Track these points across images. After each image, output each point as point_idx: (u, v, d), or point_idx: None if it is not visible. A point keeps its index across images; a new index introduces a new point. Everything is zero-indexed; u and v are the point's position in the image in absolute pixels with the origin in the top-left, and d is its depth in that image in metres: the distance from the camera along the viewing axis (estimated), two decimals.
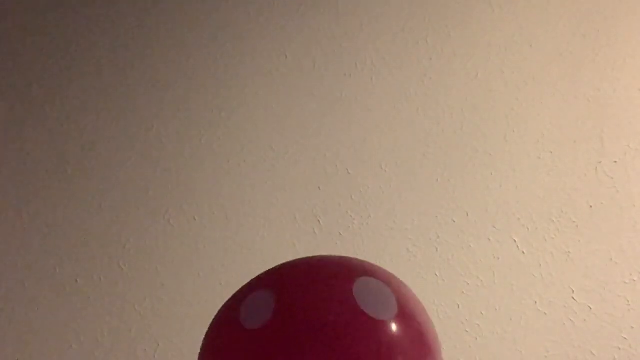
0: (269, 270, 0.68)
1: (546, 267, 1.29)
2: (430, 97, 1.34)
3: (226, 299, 0.66)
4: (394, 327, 0.58)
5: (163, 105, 1.34)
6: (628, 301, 1.28)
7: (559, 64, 1.34)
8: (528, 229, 1.29)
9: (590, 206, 1.30)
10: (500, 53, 1.35)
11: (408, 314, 0.60)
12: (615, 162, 1.30)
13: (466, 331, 1.27)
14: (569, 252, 1.29)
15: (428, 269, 1.28)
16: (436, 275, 1.28)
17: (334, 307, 0.57)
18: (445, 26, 1.36)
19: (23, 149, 1.32)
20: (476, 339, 1.27)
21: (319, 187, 1.31)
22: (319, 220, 1.30)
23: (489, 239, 1.29)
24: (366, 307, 0.57)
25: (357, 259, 0.69)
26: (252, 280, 0.68)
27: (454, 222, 1.29)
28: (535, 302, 1.28)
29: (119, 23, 1.37)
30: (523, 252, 1.29)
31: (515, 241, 1.29)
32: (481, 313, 1.28)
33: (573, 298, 1.28)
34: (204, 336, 0.65)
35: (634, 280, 1.28)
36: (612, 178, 1.30)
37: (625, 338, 1.27)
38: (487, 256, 1.28)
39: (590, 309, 1.28)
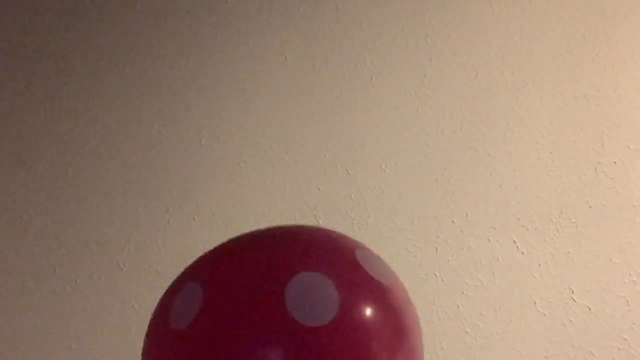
0: (203, 258, 0.64)
1: (546, 267, 1.29)
2: (430, 97, 1.34)
3: None
4: (326, 333, 0.52)
5: (163, 105, 1.34)
6: (628, 301, 1.28)
7: (559, 64, 1.34)
8: (528, 229, 1.29)
9: (590, 206, 1.30)
10: (500, 53, 1.35)
11: (350, 316, 0.54)
12: (615, 162, 1.30)
13: (466, 331, 1.27)
14: (569, 252, 1.29)
15: (428, 269, 1.28)
16: (436, 275, 1.28)
17: (262, 312, 0.53)
18: (445, 26, 1.36)
19: (23, 149, 1.32)
20: (476, 339, 1.27)
21: (319, 187, 1.31)
22: (318, 220, 1.30)
23: (489, 239, 1.29)
24: (296, 312, 0.52)
25: (303, 238, 0.62)
26: (186, 269, 0.64)
27: (454, 222, 1.29)
28: (535, 303, 1.28)
29: (118, 23, 1.37)
30: (523, 253, 1.29)
31: (515, 241, 1.29)
32: (481, 313, 1.28)
33: (573, 298, 1.28)
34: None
35: (634, 281, 1.28)
36: (611, 178, 1.30)
37: (625, 338, 1.27)
38: (486, 256, 1.29)
39: (590, 309, 1.28)
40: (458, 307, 1.27)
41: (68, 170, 1.31)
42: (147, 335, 0.62)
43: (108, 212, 1.30)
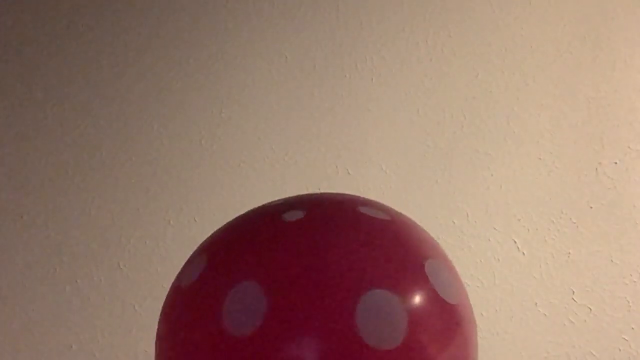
0: (254, 250, 0.57)
1: (546, 268, 1.28)
2: (430, 97, 1.34)
3: None
4: (395, 358, 0.49)
5: (163, 105, 1.34)
6: (628, 302, 1.28)
7: (559, 64, 1.34)
8: (528, 229, 1.29)
9: (591, 207, 1.30)
10: (500, 53, 1.35)
11: (417, 341, 0.51)
12: (616, 163, 1.30)
13: None
14: (569, 252, 1.29)
15: None
16: None
17: (330, 331, 0.49)
18: (445, 27, 1.36)
19: (23, 149, 1.32)
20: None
21: (319, 188, 1.31)
22: None
23: (489, 240, 1.29)
24: (366, 334, 0.48)
25: (377, 244, 0.57)
26: (232, 263, 0.57)
27: (454, 223, 1.29)
28: (536, 303, 1.28)
29: (119, 23, 1.37)
30: (523, 253, 1.29)
31: (515, 242, 1.29)
32: (481, 314, 1.28)
33: (573, 299, 1.28)
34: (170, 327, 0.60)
35: (634, 281, 1.28)
36: (612, 179, 1.30)
37: (625, 339, 1.27)
38: (487, 257, 1.28)
39: (591, 309, 1.27)
40: None
41: (68, 170, 1.31)
42: (193, 341, 0.55)
43: (108, 212, 1.30)
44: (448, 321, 0.54)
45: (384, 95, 1.34)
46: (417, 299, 0.52)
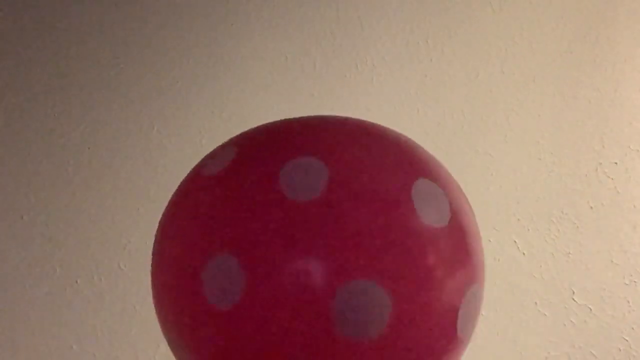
0: (310, 129, 0.63)
1: (546, 268, 1.28)
2: (430, 97, 1.34)
3: None
4: (444, 234, 0.55)
5: (163, 105, 1.34)
6: (628, 302, 1.28)
7: (560, 64, 1.34)
8: (528, 229, 1.29)
9: (591, 207, 1.30)
10: (500, 53, 1.35)
11: (459, 220, 0.57)
12: (616, 163, 1.30)
13: None
14: (570, 253, 1.29)
15: None
16: None
17: (390, 208, 0.53)
18: (445, 27, 1.36)
19: (23, 149, 1.32)
20: (476, 340, 1.27)
21: None
22: None
23: (490, 240, 1.29)
24: (421, 213, 0.53)
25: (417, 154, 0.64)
26: (285, 142, 0.60)
27: None
28: (536, 303, 1.28)
29: (119, 23, 1.36)
30: (523, 253, 1.29)
31: (515, 242, 1.29)
32: (481, 314, 1.28)
33: (573, 299, 1.28)
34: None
35: (635, 281, 1.28)
36: (612, 179, 1.30)
37: (625, 339, 1.27)
38: (487, 257, 1.28)
39: (591, 309, 1.27)
40: None
41: (68, 170, 1.31)
42: (254, 210, 0.54)
43: (108, 212, 1.30)
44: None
45: (384, 95, 1.34)
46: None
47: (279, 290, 0.50)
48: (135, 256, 1.28)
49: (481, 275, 0.59)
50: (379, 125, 0.67)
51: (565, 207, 1.30)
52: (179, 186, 0.64)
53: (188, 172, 0.69)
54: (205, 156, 0.66)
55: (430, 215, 0.54)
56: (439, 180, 0.59)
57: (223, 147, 0.65)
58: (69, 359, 1.26)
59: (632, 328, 1.27)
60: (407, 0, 1.37)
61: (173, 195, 0.65)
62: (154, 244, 0.63)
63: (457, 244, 0.56)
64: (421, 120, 1.33)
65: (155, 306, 0.60)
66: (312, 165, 0.54)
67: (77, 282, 1.28)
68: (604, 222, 1.29)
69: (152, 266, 0.61)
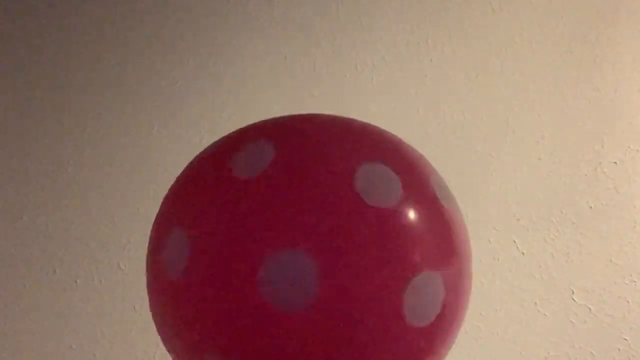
0: (266, 121, 0.66)
1: (546, 268, 1.28)
2: (430, 97, 1.34)
3: None
4: (391, 215, 0.55)
5: (163, 105, 1.34)
6: (628, 302, 1.28)
7: (560, 64, 1.34)
8: (528, 229, 1.29)
9: (591, 207, 1.30)
10: (500, 53, 1.35)
11: (410, 204, 0.57)
12: (616, 162, 1.30)
13: (466, 332, 1.27)
14: (569, 253, 1.29)
15: None
16: None
17: (332, 185, 0.55)
18: (445, 27, 1.36)
19: (23, 149, 1.32)
20: (476, 340, 1.27)
21: None
22: None
23: (489, 240, 1.29)
24: (365, 195, 0.54)
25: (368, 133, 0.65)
26: (245, 129, 0.65)
27: None
28: (536, 303, 1.28)
29: (119, 23, 1.36)
30: (523, 253, 1.29)
31: (515, 242, 1.29)
32: (481, 314, 1.28)
33: (573, 299, 1.28)
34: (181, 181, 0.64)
35: (634, 281, 1.28)
36: (612, 179, 1.30)
37: (625, 339, 1.27)
38: (487, 257, 1.28)
39: (590, 309, 1.28)
40: None
41: (68, 170, 1.31)
42: (202, 186, 0.62)
43: (108, 212, 1.30)
44: (435, 212, 0.61)
45: (384, 95, 1.34)
46: (414, 181, 0.60)
47: (216, 260, 0.54)
48: (135, 256, 1.28)
49: (439, 262, 0.58)
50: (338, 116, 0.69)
51: (565, 207, 1.30)
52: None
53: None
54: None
55: (374, 196, 0.54)
56: (393, 164, 0.58)
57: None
58: (69, 359, 1.26)
59: (632, 328, 1.27)
60: (407, 0, 1.36)
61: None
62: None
63: (405, 227, 0.55)
64: (421, 120, 1.33)
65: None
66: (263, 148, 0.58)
67: (77, 282, 1.28)
68: (604, 222, 1.29)
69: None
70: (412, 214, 0.56)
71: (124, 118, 1.33)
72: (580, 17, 1.34)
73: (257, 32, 1.36)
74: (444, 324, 0.58)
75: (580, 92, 1.33)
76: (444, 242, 0.60)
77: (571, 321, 1.27)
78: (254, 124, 0.67)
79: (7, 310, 1.27)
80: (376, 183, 0.56)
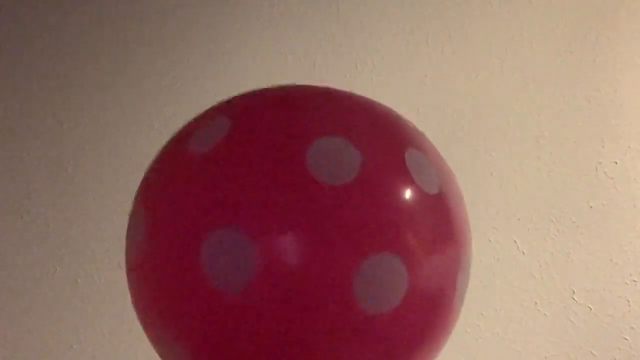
0: (228, 101, 0.65)
1: (546, 267, 1.28)
2: (430, 97, 1.34)
3: None
4: (345, 193, 0.51)
5: (163, 105, 1.34)
6: (628, 302, 1.28)
7: (560, 64, 1.34)
8: (528, 229, 1.29)
9: (591, 206, 1.30)
10: (500, 53, 1.35)
11: (369, 178, 0.53)
12: (616, 162, 1.30)
13: (466, 332, 1.27)
14: (569, 252, 1.29)
15: None
16: None
17: (284, 162, 0.52)
18: (445, 26, 1.36)
19: (23, 149, 1.32)
20: (476, 339, 1.27)
21: None
22: None
23: (489, 240, 1.29)
24: (316, 171, 0.51)
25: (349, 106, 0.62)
26: (210, 108, 0.65)
27: None
28: (536, 303, 1.28)
29: (119, 23, 1.36)
30: (523, 253, 1.29)
31: (515, 242, 1.29)
32: (481, 314, 1.28)
33: (573, 298, 1.28)
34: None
35: (634, 281, 1.28)
36: (612, 178, 1.30)
37: (625, 339, 1.27)
38: (487, 257, 1.28)
39: (591, 309, 1.28)
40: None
41: (68, 169, 1.31)
42: (159, 161, 0.63)
43: (108, 212, 1.30)
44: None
45: (384, 96, 1.34)
46: (376, 149, 0.56)
47: (161, 240, 0.54)
48: None
49: (396, 243, 0.53)
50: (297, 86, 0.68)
51: (565, 207, 1.30)
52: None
53: None
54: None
55: (324, 173, 0.51)
56: (355, 138, 0.55)
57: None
58: (69, 359, 1.26)
59: (632, 328, 1.27)
60: (407, 0, 1.37)
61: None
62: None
63: (359, 206, 0.51)
64: (421, 120, 1.33)
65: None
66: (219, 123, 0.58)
67: (77, 282, 1.28)
68: (604, 221, 1.29)
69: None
70: (369, 193, 0.52)
71: (124, 118, 1.33)
72: (580, 17, 1.35)
73: (257, 32, 1.36)
74: (407, 313, 0.53)
75: (580, 92, 1.33)
76: (410, 223, 0.54)
77: (571, 321, 1.27)
78: (221, 102, 0.67)
79: (8, 310, 1.27)
80: (331, 159, 0.52)
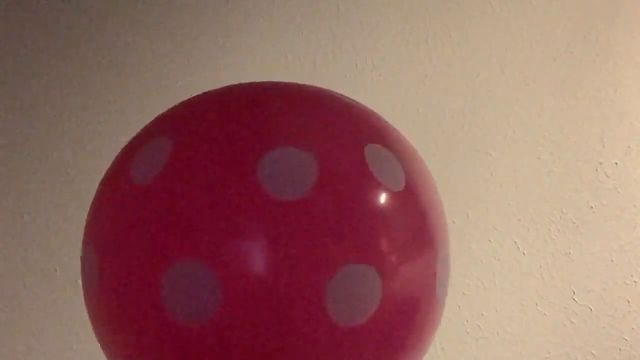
0: (172, 112, 0.60)
1: (547, 268, 1.28)
2: (430, 97, 1.34)
3: None
4: (302, 207, 0.49)
5: (164, 105, 1.34)
6: (629, 302, 1.28)
7: (560, 64, 1.34)
8: (528, 229, 1.29)
9: (591, 207, 1.30)
10: (500, 53, 1.35)
11: (327, 192, 0.50)
12: (616, 163, 1.30)
13: (467, 332, 1.27)
14: (570, 253, 1.29)
15: None
16: None
17: (233, 178, 0.50)
18: (445, 27, 1.36)
19: (23, 149, 1.32)
20: (477, 340, 1.27)
21: None
22: None
23: (490, 240, 1.29)
24: (270, 186, 0.49)
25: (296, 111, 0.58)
26: (152, 124, 0.60)
27: (455, 223, 1.29)
28: (536, 303, 1.28)
29: (119, 23, 1.36)
30: (523, 253, 1.29)
31: (515, 242, 1.29)
32: (482, 314, 1.28)
33: (574, 299, 1.28)
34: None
35: (635, 281, 1.28)
36: (612, 179, 1.30)
37: (626, 339, 1.27)
38: (487, 257, 1.28)
39: (591, 310, 1.27)
40: (459, 307, 1.27)
41: (68, 170, 1.31)
42: (102, 190, 0.61)
43: None
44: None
45: (384, 95, 1.34)
46: (336, 160, 0.53)
47: (115, 282, 0.53)
48: None
49: (364, 251, 0.50)
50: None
51: (565, 207, 1.30)
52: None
53: None
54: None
55: (279, 188, 0.49)
56: (301, 146, 0.51)
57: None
58: (69, 359, 1.26)
59: (632, 328, 1.27)
60: (407, 0, 1.37)
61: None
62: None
63: (318, 219, 0.49)
64: (421, 120, 1.33)
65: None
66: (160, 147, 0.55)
67: (77, 282, 1.28)
68: (604, 222, 1.29)
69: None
70: (329, 201, 0.49)
71: (124, 118, 1.33)
72: (580, 17, 1.35)
73: (257, 32, 1.36)
74: (383, 323, 0.51)
75: (580, 92, 1.33)
76: (377, 227, 0.51)
77: (572, 321, 1.27)
78: (159, 116, 0.64)
79: (8, 310, 1.26)
80: (284, 172, 0.50)
